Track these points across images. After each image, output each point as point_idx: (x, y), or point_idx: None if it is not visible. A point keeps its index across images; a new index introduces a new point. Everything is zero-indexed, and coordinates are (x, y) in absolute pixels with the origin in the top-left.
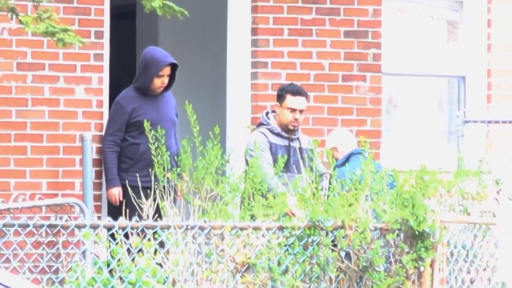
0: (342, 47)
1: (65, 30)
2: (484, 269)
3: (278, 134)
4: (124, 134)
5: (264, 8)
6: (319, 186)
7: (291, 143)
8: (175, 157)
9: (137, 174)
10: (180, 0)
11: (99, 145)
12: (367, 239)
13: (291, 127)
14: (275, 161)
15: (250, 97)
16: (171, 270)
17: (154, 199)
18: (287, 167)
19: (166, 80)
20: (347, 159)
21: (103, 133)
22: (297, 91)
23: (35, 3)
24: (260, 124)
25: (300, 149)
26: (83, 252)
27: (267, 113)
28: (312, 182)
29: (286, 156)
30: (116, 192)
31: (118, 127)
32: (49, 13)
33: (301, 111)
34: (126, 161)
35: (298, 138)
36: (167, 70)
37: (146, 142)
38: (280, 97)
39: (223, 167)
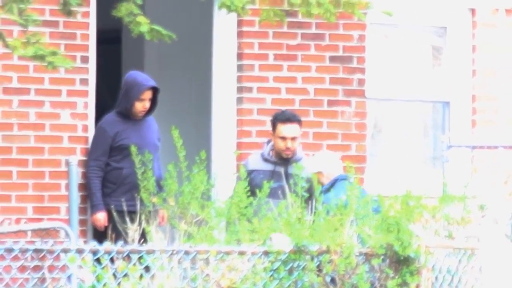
0: (327, 72)
1: (54, 54)
2: None
3: (265, 159)
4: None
5: (250, 34)
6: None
7: (276, 168)
8: (158, 182)
9: (122, 199)
10: (166, 25)
11: (84, 170)
12: (352, 264)
13: (284, 156)
14: (253, 186)
15: (235, 122)
16: None
17: (139, 224)
18: (270, 193)
19: (147, 104)
20: (332, 184)
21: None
22: (287, 119)
23: (23, 28)
24: None
25: (287, 174)
26: (69, 277)
27: (268, 141)
28: (297, 206)
29: (270, 182)
30: (101, 217)
31: (101, 152)
32: (38, 37)
33: (293, 139)
34: (109, 185)
35: (287, 164)
36: (148, 94)
37: (129, 167)
38: (272, 126)
39: (208, 192)
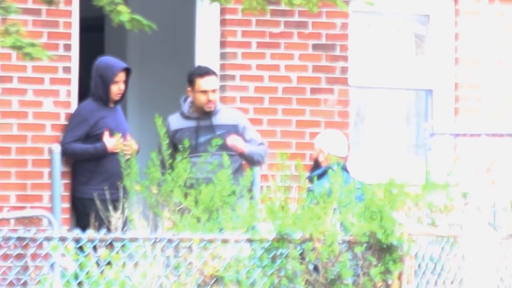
0: (310, 60)
1: (33, 45)
2: (452, 282)
3: (187, 117)
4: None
5: (233, 21)
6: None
7: (200, 123)
8: None
9: (104, 187)
10: (148, 13)
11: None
12: (335, 252)
13: (207, 109)
14: (180, 145)
15: None
16: (140, 282)
17: (122, 211)
18: (194, 150)
19: (122, 86)
20: (325, 171)
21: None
22: (205, 72)
23: (3, 17)
24: None
25: (213, 126)
26: (52, 265)
27: (185, 98)
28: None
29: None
30: (108, 141)
31: (77, 137)
32: (17, 27)
33: (214, 91)
34: (85, 174)
35: (210, 116)
36: (122, 76)
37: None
38: (191, 82)
39: (191, 180)
